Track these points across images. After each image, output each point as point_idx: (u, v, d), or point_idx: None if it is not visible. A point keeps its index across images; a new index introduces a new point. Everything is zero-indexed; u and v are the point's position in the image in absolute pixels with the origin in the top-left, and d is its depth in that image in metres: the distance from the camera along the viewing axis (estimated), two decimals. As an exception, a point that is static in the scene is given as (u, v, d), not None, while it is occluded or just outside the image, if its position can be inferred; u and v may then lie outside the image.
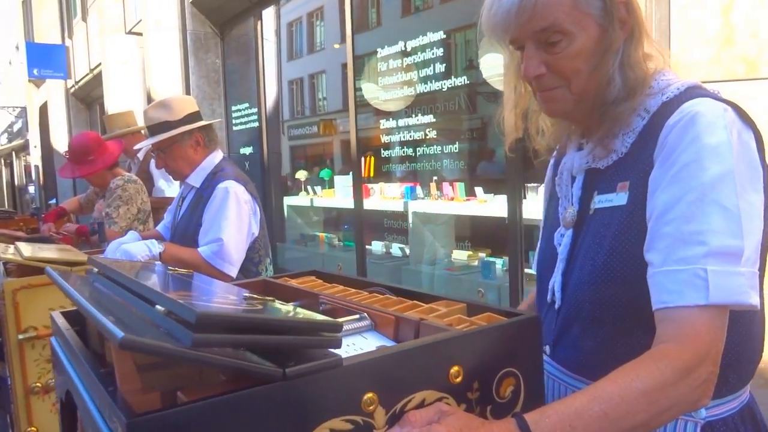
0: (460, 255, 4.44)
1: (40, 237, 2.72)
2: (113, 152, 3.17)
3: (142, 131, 3.78)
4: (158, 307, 0.62)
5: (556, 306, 1.03)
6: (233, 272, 2.21)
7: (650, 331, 0.84)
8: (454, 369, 0.68)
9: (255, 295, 0.70)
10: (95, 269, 0.97)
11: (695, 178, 0.83)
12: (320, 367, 0.59)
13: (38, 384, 1.84)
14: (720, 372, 0.83)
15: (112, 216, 2.93)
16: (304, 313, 0.65)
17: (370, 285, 1.03)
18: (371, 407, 0.63)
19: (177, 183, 3.47)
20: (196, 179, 2.35)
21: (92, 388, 0.65)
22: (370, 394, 0.63)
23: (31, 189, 21.13)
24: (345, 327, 0.83)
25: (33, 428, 1.85)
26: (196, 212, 2.30)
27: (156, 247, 2.19)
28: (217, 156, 2.40)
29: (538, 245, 1.15)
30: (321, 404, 0.60)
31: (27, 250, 2.04)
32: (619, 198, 0.93)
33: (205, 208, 2.26)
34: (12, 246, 2.19)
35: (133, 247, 2.16)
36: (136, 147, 3.17)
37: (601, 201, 0.97)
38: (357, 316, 0.86)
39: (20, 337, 1.78)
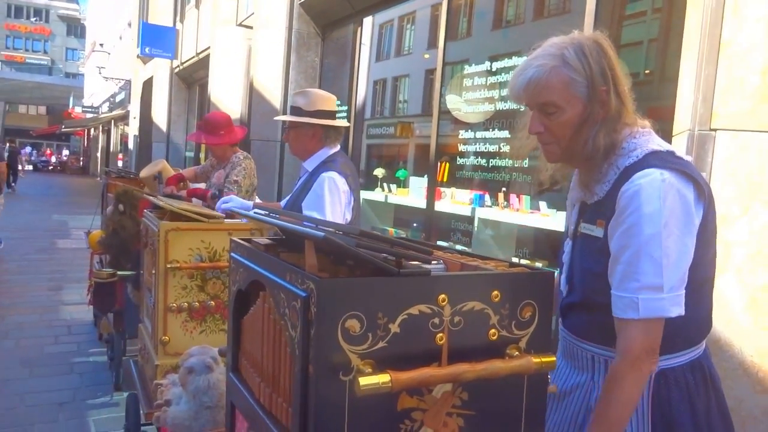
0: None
1: (175, 195, 3.31)
2: (238, 134, 3.71)
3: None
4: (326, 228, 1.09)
5: (564, 294, 1.48)
6: None
7: None
8: (495, 292, 1.11)
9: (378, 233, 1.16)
10: (263, 210, 1.45)
11: (636, 237, 1.25)
12: (418, 273, 1.04)
13: (174, 304, 2.39)
14: (671, 336, 1.27)
15: (239, 182, 3.40)
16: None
17: (448, 248, 1.48)
18: (443, 303, 1.07)
19: None
20: (310, 164, 2.72)
21: (282, 271, 1.11)
22: (443, 295, 1.07)
23: (119, 163, 22.58)
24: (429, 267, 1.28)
25: (166, 337, 2.40)
26: (303, 193, 2.68)
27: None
28: (333, 149, 2.72)
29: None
30: (416, 294, 1.04)
31: (173, 203, 2.61)
32: (597, 231, 1.36)
33: (309, 192, 2.63)
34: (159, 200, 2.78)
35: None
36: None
37: (585, 227, 1.41)
38: (436, 262, 1.31)
39: (168, 266, 2.33)
